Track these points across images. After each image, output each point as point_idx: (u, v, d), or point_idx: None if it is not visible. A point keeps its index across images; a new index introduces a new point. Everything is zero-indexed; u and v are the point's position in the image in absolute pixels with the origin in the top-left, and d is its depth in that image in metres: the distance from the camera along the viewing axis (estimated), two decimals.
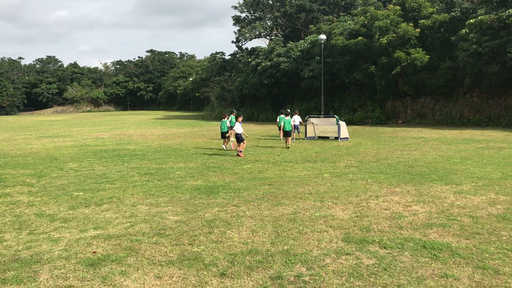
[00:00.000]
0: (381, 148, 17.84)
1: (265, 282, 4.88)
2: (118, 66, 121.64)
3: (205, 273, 5.18)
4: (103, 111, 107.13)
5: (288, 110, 20.62)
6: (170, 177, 11.86)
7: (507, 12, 27.42)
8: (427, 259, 5.44)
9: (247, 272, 5.16)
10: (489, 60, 28.45)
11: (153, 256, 5.76)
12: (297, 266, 5.29)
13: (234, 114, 22.90)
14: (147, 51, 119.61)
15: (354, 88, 39.96)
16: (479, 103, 31.48)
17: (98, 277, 5.12)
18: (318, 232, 6.64)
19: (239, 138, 16.58)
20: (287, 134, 19.25)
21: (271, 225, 7.05)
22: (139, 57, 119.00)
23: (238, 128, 16.68)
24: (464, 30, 30.14)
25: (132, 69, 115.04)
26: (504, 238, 6.17)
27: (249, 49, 53.00)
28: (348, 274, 5.02)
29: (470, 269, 5.11)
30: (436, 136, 22.67)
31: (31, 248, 6.18)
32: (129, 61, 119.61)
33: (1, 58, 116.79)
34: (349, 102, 38.40)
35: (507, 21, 27.22)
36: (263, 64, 42.16)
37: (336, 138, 22.10)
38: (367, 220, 7.21)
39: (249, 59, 46.84)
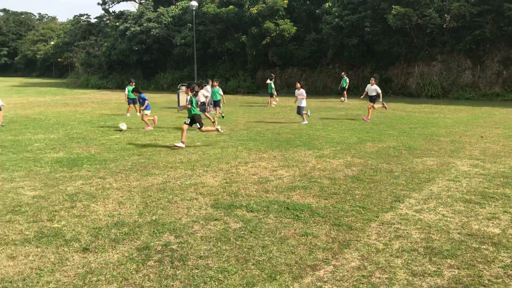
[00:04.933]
0: (251, 117, 18.33)
1: (131, 253, 4.74)
2: None
3: (65, 249, 4.86)
4: None
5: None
6: (28, 149, 10.85)
7: None
8: (289, 220, 5.75)
9: (112, 245, 4.96)
10: (349, 33, 30.62)
11: (6, 235, 5.24)
12: (165, 235, 5.23)
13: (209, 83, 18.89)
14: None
15: (226, 57, 40.26)
16: (341, 73, 33.86)
17: None
18: (188, 200, 6.63)
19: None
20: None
21: (139, 196, 6.85)
22: None
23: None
24: (327, 4, 31.94)
25: None
26: (357, 196, 6.78)
27: (116, 12, 50.17)
28: (215, 239, 5.10)
29: (327, 227, 5.52)
30: None
31: None
32: None
33: None
34: (222, 71, 38.65)
35: None
36: (133, 29, 40.28)
37: None
38: (236, 186, 7.39)
39: (117, 23, 44.35)
